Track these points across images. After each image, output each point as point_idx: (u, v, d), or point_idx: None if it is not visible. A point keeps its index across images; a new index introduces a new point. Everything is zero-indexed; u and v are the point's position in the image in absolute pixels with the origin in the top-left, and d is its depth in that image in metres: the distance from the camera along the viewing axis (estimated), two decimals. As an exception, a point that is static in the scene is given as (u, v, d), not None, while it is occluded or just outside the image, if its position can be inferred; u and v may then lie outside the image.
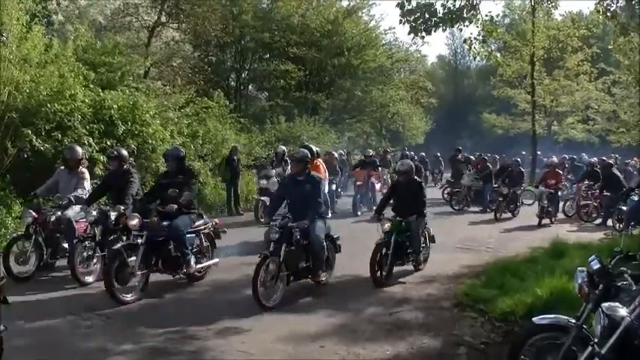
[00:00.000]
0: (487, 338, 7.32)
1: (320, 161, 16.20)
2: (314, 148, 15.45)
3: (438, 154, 35.43)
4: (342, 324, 7.87)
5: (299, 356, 6.59)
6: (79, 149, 10.98)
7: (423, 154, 32.18)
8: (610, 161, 21.45)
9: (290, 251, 8.89)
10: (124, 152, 10.93)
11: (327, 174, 16.80)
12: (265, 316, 7.89)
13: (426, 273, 10.91)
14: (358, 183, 20.22)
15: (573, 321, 5.04)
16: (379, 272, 9.95)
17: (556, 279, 8.40)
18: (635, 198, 14.93)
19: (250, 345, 6.92)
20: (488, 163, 23.05)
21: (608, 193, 18.08)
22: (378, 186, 21.02)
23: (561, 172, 19.54)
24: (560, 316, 5.32)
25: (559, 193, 18.86)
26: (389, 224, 10.24)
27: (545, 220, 17.89)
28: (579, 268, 5.27)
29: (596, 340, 4.04)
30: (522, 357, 5.32)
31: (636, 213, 14.36)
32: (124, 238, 9.70)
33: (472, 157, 27.45)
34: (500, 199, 19.65)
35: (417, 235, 10.57)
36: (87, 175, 10.95)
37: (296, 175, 9.93)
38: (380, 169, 22.68)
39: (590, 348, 4.08)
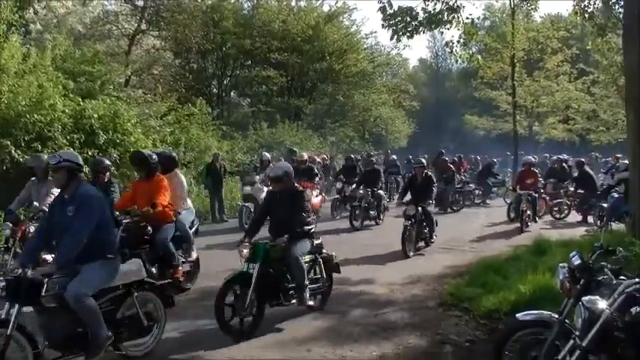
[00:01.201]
0: (472, 336, 7.38)
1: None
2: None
3: (410, 158, 31.97)
4: (328, 327, 7.87)
5: (286, 360, 6.58)
6: (44, 157, 10.79)
7: (394, 157, 29.87)
8: (582, 159, 21.60)
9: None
10: (107, 162, 10.83)
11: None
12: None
13: (411, 274, 10.92)
14: None
15: (556, 316, 5.11)
16: (234, 319, 7.57)
17: (539, 276, 8.48)
18: (615, 195, 15.12)
19: (236, 351, 6.91)
20: (449, 164, 23.14)
21: (582, 191, 18.42)
22: (316, 200, 17.32)
23: (537, 170, 18.99)
24: (543, 311, 5.40)
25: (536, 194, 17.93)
26: (247, 250, 7.88)
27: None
28: (561, 264, 5.34)
29: (577, 333, 4.08)
30: (507, 353, 5.38)
31: (616, 210, 14.53)
32: None
33: (455, 158, 27.69)
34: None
35: (296, 262, 8.09)
36: None
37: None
38: (318, 178, 18.80)
39: (572, 341, 4.13)
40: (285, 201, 8.39)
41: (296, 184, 9.07)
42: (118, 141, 16.37)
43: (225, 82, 37.59)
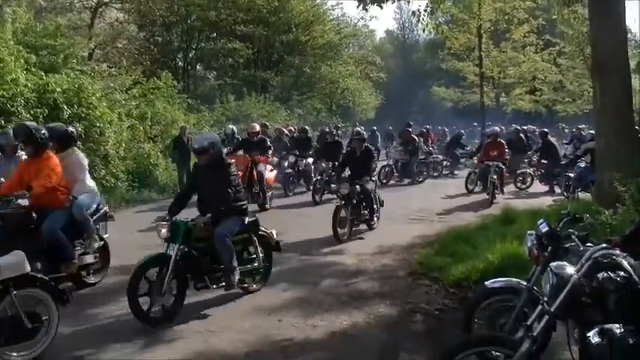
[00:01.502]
0: (442, 304, 7.45)
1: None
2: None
3: (374, 129, 31.38)
4: (299, 297, 7.91)
5: (257, 331, 6.61)
6: (10, 132, 10.52)
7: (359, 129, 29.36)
8: (546, 130, 21.85)
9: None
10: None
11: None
12: (223, 292, 7.67)
13: (381, 244, 10.99)
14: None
15: (524, 283, 5.19)
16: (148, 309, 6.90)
17: (507, 244, 8.57)
18: (582, 165, 15.31)
19: (208, 322, 6.92)
20: (413, 136, 22.86)
21: (545, 161, 18.73)
22: (271, 175, 16.12)
23: (503, 141, 18.61)
24: (511, 279, 5.48)
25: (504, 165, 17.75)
26: (165, 230, 7.27)
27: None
28: (529, 232, 5.40)
29: (545, 299, 4.13)
30: (476, 320, 5.45)
31: (583, 179, 14.73)
32: None
33: (423, 129, 27.85)
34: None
35: (221, 243, 7.39)
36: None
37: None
38: (271, 151, 16.68)
39: (540, 307, 4.18)
40: (212, 175, 7.65)
41: (224, 157, 8.29)
42: (83, 115, 16.16)
43: (190, 55, 37.21)
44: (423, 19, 15.41)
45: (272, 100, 33.14)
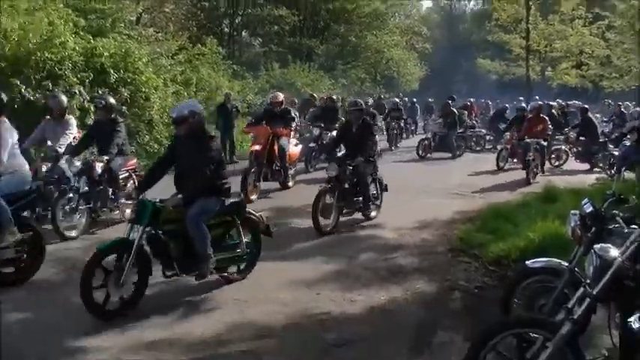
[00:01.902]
0: (481, 282, 7.38)
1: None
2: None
3: (414, 101, 31.40)
4: (337, 270, 7.88)
5: (295, 304, 6.62)
6: (64, 97, 10.61)
7: (397, 99, 28.66)
8: (586, 106, 21.27)
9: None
10: (112, 100, 10.59)
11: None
12: (260, 264, 7.62)
13: (421, 219, 10.87)
14: (254, 148, 12.94)
15: (566, 264, 5.10)
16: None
17: (548, 223, 8.45)
18: (627, 143, 14.99)
19: (245, 294, 6.91)
20: (452, 109, 22.19)
21: (583, 138, 18.34)
22: (296, 149, 14.44)
23: (546, 117, 17.71)
24: (552, 259, 5.40)
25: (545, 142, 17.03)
26: (130, 210, 7.21)
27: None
28: (572, 212, 5.31)
29: (587, 281, 4.09)
30: (515, 300, 5.40)
31: (627, 158, 14.41)
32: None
33: (467, 102, 27.52)
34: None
35: (194, 226, 6.58)
36: (73, 123, 10.40)
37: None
38: (294, 124, 14.83)
39: (582, 289, 4.14)
40: (191, 147, 6.72)
41: (206, 128, 7.25)
42: (128, 80, 16.34)
43: (236, 21, 37.28)
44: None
45: (316, 69, 33.09)
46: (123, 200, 9.88)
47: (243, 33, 39.23)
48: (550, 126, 17.45)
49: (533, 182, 15.39)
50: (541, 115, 17.38)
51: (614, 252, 4.04)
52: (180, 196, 6.62)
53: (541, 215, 9.16)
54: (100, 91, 14.98)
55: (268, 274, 7.58)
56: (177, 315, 6.33)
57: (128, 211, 6.56)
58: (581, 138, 18.45)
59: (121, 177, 10.06)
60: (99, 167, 9.66)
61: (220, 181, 6.96)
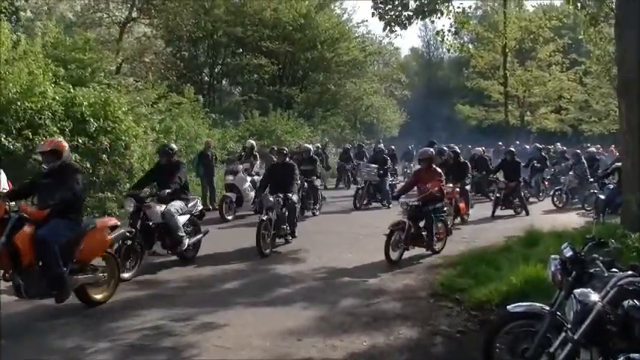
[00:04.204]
0: (463, 327, 7.35)
1: None
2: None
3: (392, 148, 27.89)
4: (319, 316, 7.84)
5: (276, 350, 6.56)
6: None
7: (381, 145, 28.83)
8: (511, 148, 21.23)
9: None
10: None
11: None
12: (242, 310, 7.81)
13: (402, 264, 10.91)
14: None
15: (547, 308, 5.09)
16: None
17: (530, 267, 8.47)
18: (611, 186, 15.06)
19: (227, 340, 6.86)
20: (385, 155, 21.03)
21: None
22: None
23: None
24: (534, 303, 5.38)
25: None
26: None
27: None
28: (552, 256, 5.32)
29: (569, 326, 4.08)
30: (498, 345, 5.37)
31: (611, 201, 14.48)
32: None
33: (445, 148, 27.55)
34: None
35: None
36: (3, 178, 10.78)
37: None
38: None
39: (563, 334, 4.13)
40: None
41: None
42: (108, 129, 16.31)
43: (216, 70, 37.59)
44: (447, 39, 15.41)
45: (296, 117, 33.26)
46: None
47: (224, 82, 39.52)
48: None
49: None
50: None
51: (594, 296, 4.05)
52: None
53: (523, 259, 9.17)
54: (80, 140, 15.02)
55: (250, 320, 7.58)
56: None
57: None
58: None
59: None
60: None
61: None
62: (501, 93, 35.61)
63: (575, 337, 3.93)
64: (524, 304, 5.45)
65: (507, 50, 32.48)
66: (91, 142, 15.60)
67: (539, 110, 39.87)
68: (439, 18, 14.06)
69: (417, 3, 13.60)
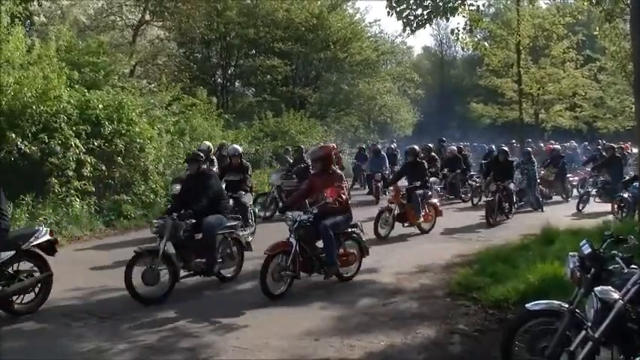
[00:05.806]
0: (481, 326, 7.33)
1: None
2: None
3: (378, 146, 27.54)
4: (336, 316, 7.85)
5: (293, 350, 6.57)
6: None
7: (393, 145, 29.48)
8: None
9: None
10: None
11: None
12: (260, 311, 7.87)
13: (420, 263, 10.88)
14: None
15: (566, 306, 5.04)
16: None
17: (548, 265, 8.43)
18: (637, 185, 14.57)
19: (245, 341, 6.89)
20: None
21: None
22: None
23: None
24: (553, 301, 5.32)
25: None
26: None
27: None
28: (571, 253, 5.27)
29: (589, 324, 4.04)
30: (517, 343, 5.33)
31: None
32: None
33: (460, 146, 27.55)
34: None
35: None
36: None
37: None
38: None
39: (583, 332, 4.09)
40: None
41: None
42: (123, 131, 16.37)
43: (229, 71, 37.55)
44: (462, 38, 15.35)
45: (309, 117, 33.27)
46: None
47: (236, 83, 39.51)
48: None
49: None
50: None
51: (614, 294, 4.01)
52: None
53: (540, 257, 9.13)
54: (95, 144, 15.13)
55: (267, 320, 7.62)
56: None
57: None
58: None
59: None
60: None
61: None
62: (515, 91, 35.33)
63: (596, 335, 3.89)
64: (543, 302, 5.39)
65: (521, 48, 32.21)
66: (106, 144, 15.67)
67: (554, 108, 39.56)
68: (454, 16, 13.92)
69: (433, 3, 13.42)
